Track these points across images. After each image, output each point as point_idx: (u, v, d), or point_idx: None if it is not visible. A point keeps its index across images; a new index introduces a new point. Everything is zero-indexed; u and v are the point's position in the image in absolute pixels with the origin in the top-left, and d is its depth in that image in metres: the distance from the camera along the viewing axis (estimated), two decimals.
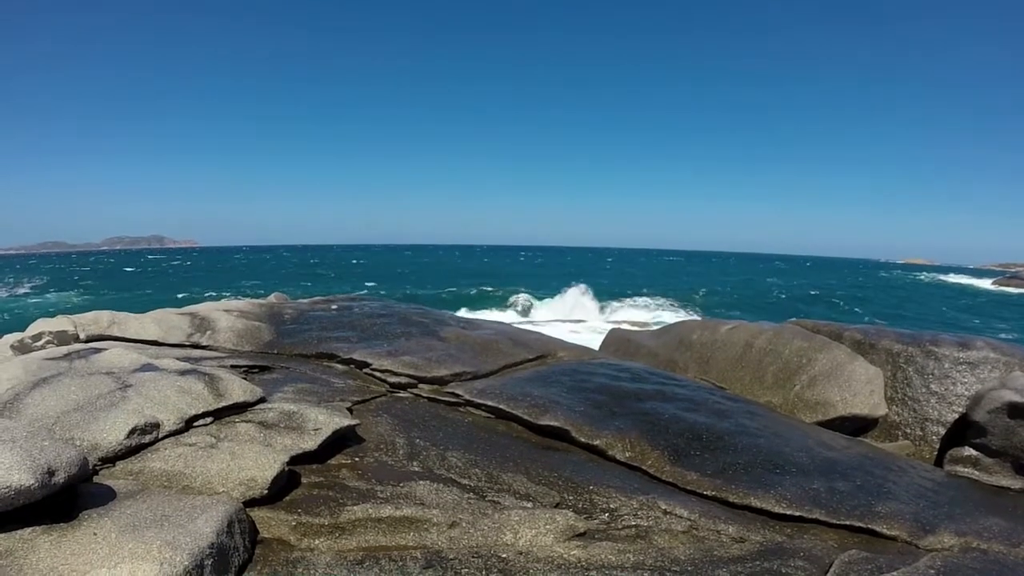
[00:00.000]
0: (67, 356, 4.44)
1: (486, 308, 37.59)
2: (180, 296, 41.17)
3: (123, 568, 2.28)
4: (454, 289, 46.98)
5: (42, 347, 5.64)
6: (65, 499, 2.64)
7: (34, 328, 6.03)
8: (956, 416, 5.54)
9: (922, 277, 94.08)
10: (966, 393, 5.73)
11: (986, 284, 76.61)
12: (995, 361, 5.96)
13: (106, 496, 2.81)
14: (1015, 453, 4.68)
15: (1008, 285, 71.80)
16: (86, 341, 5.87)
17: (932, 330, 7.21)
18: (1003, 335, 34.00)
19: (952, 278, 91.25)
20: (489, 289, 47.17)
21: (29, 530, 2.44)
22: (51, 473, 2.50)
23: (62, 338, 5.91)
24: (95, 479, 3.02)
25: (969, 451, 4.93)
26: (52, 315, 6.48)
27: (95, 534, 2.45)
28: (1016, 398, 4.66)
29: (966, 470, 4.87)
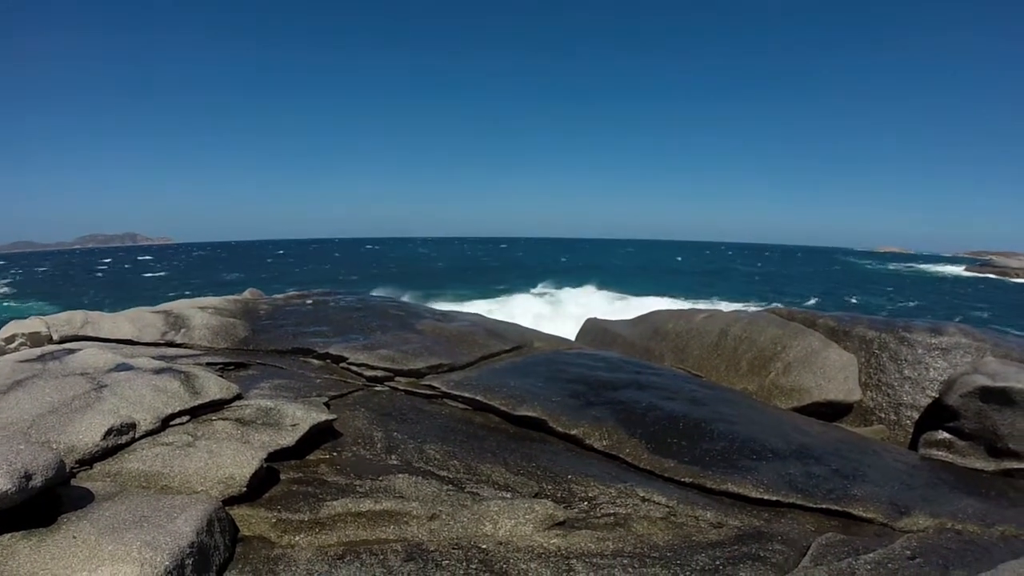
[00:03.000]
0: (41, 358, 4.39)
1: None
2: (155, 294, 40.61)
3: (104, 570, 2.27)
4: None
5: (15, 349, 5.57)
6: (43, 503, 2.62)
7: (6, 330, 5.95)
8: (929, 400, 5.64)
9: (896, 265, 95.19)
10: (939, 378, 5.82)
11: (958, 271, 77.74)
12: (967, 346, 6.05)
13: (84, 499, 2.79)
14: (988, 436, 4.77)
15: (979, 271, 72.91)
16: (60, 342, 5.79)
17: (905, 317, 7.29)
18: (975, 312, 34.59)
19: (926, 266, 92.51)
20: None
21: (8, 535, 2.43)
22: (28, 477, 2.48)
23: (35, 340, 5.84)
24: (73, 482, 2.99)
25: (943, 434, 5.02)
26: (24, 317, 6.39)
27: (74, 537, 2.44)
28: (988, 382, 4.75)
29: (940, 453, 4.95)
